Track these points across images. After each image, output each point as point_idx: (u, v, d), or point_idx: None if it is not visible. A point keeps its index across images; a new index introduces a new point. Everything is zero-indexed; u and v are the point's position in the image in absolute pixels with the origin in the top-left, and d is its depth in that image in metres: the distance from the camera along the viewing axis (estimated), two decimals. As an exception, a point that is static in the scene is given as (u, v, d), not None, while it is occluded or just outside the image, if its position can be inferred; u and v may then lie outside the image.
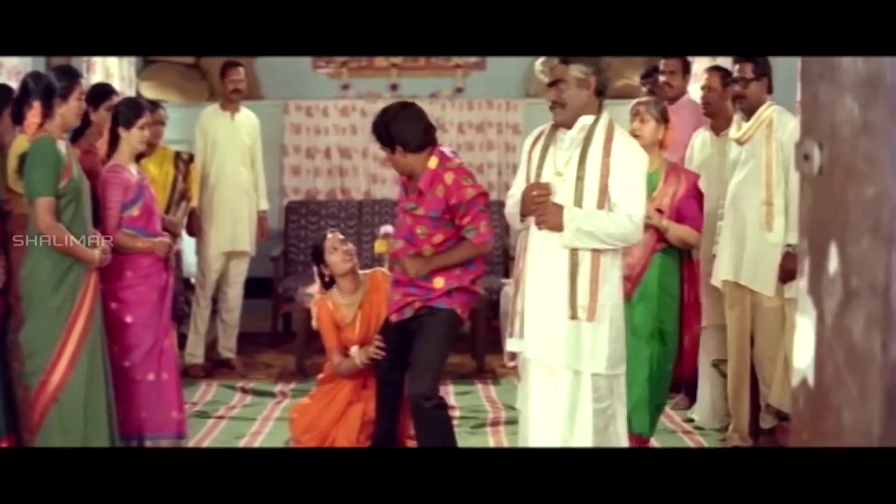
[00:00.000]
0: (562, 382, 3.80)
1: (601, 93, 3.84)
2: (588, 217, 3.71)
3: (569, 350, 3.76)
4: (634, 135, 4.41)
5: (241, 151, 6.77)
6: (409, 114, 4.38)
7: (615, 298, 3.83)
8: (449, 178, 4.33)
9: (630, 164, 3.78)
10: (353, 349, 4.91)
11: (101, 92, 5.25)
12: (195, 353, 6.72)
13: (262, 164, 6.97)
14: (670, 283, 4.62)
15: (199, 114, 6.92)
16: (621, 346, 3.88)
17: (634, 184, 3.78)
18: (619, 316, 3.86)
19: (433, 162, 4.36)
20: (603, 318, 3.76)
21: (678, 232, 4.61)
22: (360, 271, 5.14)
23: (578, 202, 3.74)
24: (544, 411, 3.83)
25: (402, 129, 4.32)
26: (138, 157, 4.88)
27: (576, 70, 3.76)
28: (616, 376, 3.88)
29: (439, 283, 4.40)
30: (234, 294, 6.86)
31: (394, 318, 4.51)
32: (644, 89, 6.20)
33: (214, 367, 6.79)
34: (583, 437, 3.80)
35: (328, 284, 5.09)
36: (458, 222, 4.36)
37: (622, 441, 3.94)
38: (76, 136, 4.90)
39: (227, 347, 6.87)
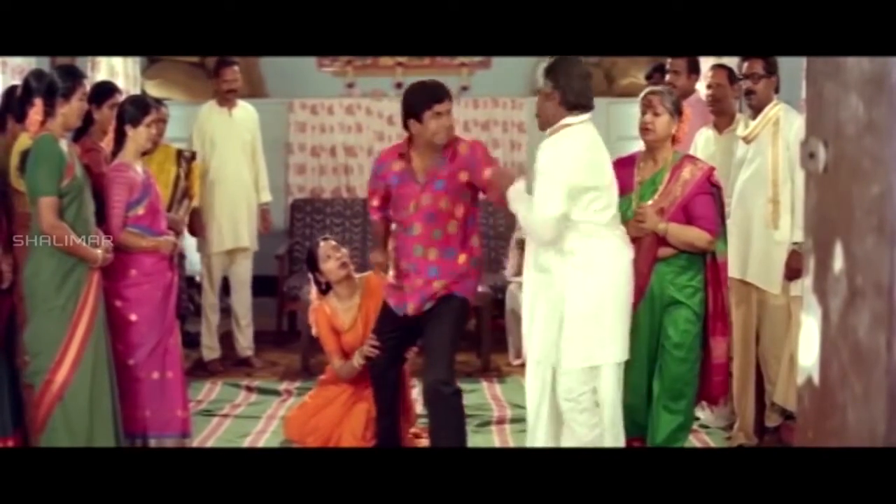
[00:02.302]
0: (534, 373, 4.09)
1: (576, 107, 3.98)
2: (524, 198, 4.01)
3: (539, 343, 4.02)
4: (646, 128, 4.37)
5: (242, 147, 6.76)
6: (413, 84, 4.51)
7: (586, 290, 3.94)
8: (468, 139, 4.54)
9: (542, 166, 3.92)
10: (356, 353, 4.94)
11: (105, 90, 5.25)
12: (212, 345, 6.78)
13: (262, 157, 6.95)
14: (680, 294, 4.34)
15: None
16: (576, 339, 3.96)
17: (543, 187, 3.90)
18: (574, 312, 3.95)
19: None
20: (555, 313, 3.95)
21: (682, 235, 4.29)
22: (356, 275, 5.19)
23: None
24: (529, 405, 4.17)
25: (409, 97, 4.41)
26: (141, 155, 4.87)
27: (543, 83, 3.99)
28: (587, 370, 3.99)
29: (462, 258, 4.45)
30: (245, 296, 6.88)
31: (411, 310, 4.47)
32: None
33: (234, 366, 6.82)
34: (541, 429, 4.09)
35: (325, 290, 5.13)
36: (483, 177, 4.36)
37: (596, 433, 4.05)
38: (79, 134, 4.90)
39: (246, 346, 6.90)
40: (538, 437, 4.12)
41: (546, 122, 4.04)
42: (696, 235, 4.31)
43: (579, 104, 3.98)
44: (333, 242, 5.14)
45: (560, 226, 3.89)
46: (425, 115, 4.32)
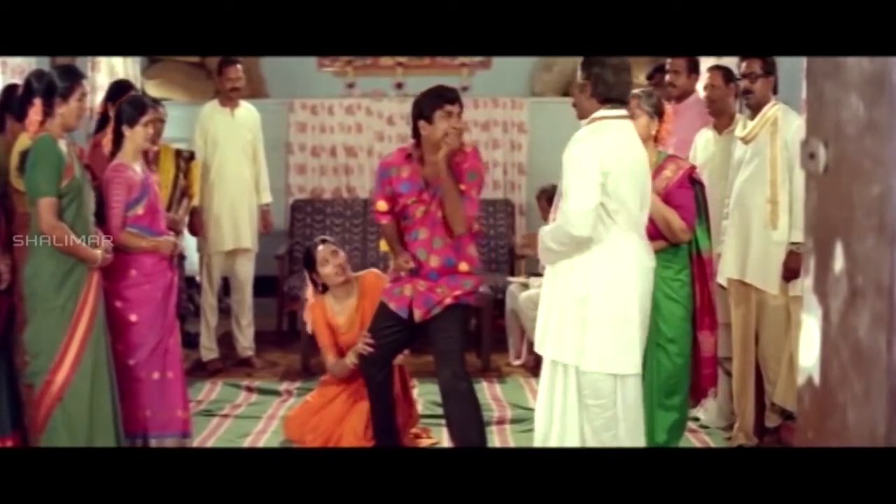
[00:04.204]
0: (555, 376, 3.94)
1: (607, 100, 3.86)
2: (543, 235, 3.92)
3: (554, 342, 3.90)
4: None
5: (243, 147, 6.76)
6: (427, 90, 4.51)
7: (611, 294, 3.80)
8: (468, 149, 4.46)
9: (570, 159, 3.81)
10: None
11: (121, 88, 5.35)
12: (210, 346, 6.79)
13: (264, 158, 6.96)
14: (669, 288, 4.36)
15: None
16: (615, 345, 3.83)
17: (572, 179, 3.78)
18: (614, 316, 3.81)
19: None
20: (584, 312, 3.80)
21: (661, 209, 4.30)
22: (353, 274, 5.18)
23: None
24: (539, 403, 4.04)
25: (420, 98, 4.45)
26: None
27: (577, 75, 3.93)
28: (617, 377, 3.86)
29: (465, 267, 4.48)
30: (245, 296, 6.89)
31: (419, 317, 4.47)
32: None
33: (235, 366, 6.83)
34: (569, 432, 3.90)
35: (322, 291, 5.15)
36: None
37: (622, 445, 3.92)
38: (97, 129, 4.94)
39: (246, 347, 6.91)
40: (567, 437, 3.93)
41: (581, 116, 3.95)
42: (673, 216, 4.35)
43: (611, 97, 3.87)
44: (333, 247, 5.10)
45: (595, 220, 3.75)
46: (435, 116, 4.33)
